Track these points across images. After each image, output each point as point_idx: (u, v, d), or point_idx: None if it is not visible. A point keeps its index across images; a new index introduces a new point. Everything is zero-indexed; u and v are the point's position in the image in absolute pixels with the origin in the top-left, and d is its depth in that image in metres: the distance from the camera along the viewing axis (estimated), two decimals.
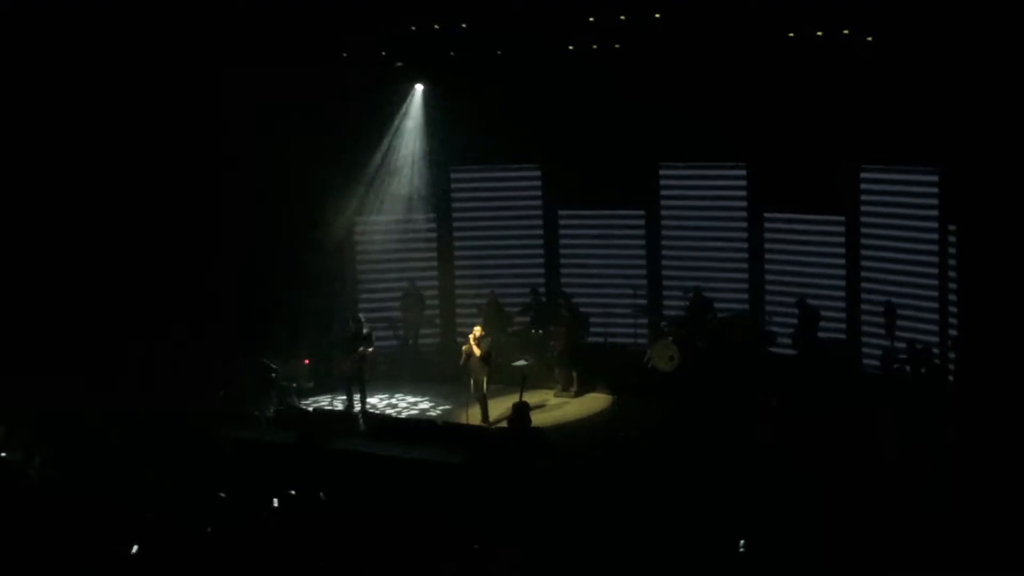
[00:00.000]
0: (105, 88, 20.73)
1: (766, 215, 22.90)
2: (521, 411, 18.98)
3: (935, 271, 20.81)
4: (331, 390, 21.52)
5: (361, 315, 21.43)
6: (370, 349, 20.83)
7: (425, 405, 21.68)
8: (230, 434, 19.84)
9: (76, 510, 14.89)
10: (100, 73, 20.56)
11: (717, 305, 22.83)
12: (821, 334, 21.91)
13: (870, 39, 19.42)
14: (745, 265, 23.15)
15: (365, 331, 20.97)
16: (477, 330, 20.37)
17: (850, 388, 20.50)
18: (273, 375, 20.37)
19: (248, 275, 21.85)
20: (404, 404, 21.74)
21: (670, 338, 21.70)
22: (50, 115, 20.54)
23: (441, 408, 21.40)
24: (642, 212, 23.89)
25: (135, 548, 13.45)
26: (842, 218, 22.07)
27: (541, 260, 24.59)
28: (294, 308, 22.29)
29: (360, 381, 20.74)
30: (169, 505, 14.96)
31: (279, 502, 15.24)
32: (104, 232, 21.19)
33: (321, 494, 15.52)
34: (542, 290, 24.15)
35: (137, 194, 21.29)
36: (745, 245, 23.16)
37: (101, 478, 16.33)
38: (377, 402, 21.50)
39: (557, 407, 21.28)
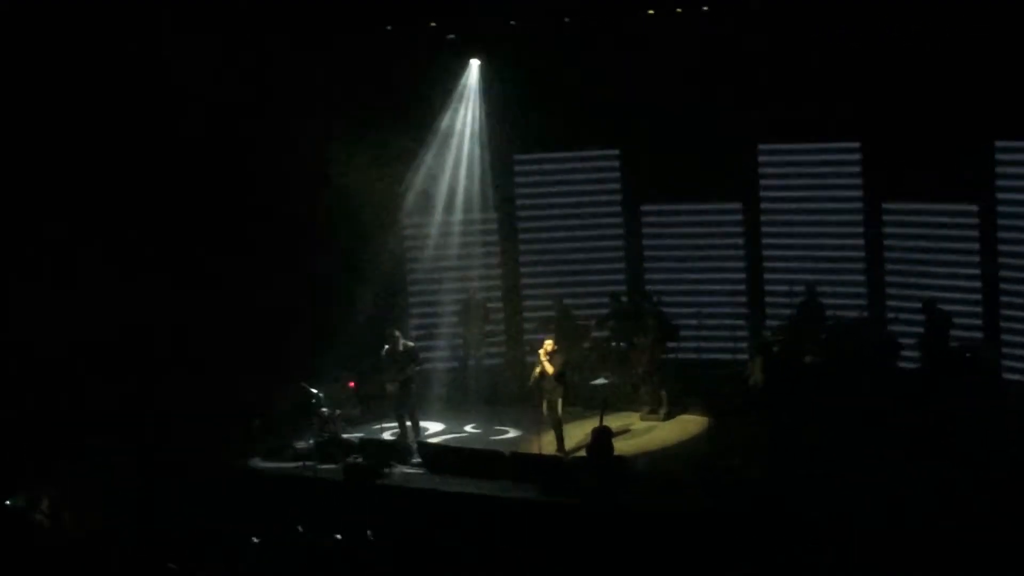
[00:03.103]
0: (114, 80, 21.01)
1: (884, 205, 22.62)
2: (602, 438, 18.87)
3: None
4: (380, 417, 21.46)
5: (397, 331, 21.22)
6: (416, 367, 20.77)
7: (490, 432, 21.59)
8: (266, 469, 20.02)
9: (92, 557, 14.99)
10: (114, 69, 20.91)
11: (829, 308, 22.50)
12: (953, 341, 21.54)
13: None
14: (862, 262, 23.00)
15: (408, 347, 20.87)
16: (548, 344, 20.24)
17: (991, 402, 20.11)
18: (314, 401, 20.32)
19: (284, 287, 21.81)
20: (465, 432, 21.63)
21: (775, 349, 21.43)
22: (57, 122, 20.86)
23: (510, 436, 21.28)
24: (739, 204, 23.71)
25: None
26: (974, 207, 21.79)
27: (622, 262, 24.47)
28: (337, 325, 22.24)
29: (408, 406, 20.71)
30: (194, 551, 15.01)
31: (321, 547, 15.21)
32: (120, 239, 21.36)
33: (369, 533, 15.45)
34: (624, 298, 23.95)
35: (152, 193, 21.46)
36: (861, 239, 22.98)
37: (118, 521, 16.42)
38: (434, 430, 21.39)
39: (644, 432, 21.15)
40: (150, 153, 21.44)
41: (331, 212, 22.48)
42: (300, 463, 19.95)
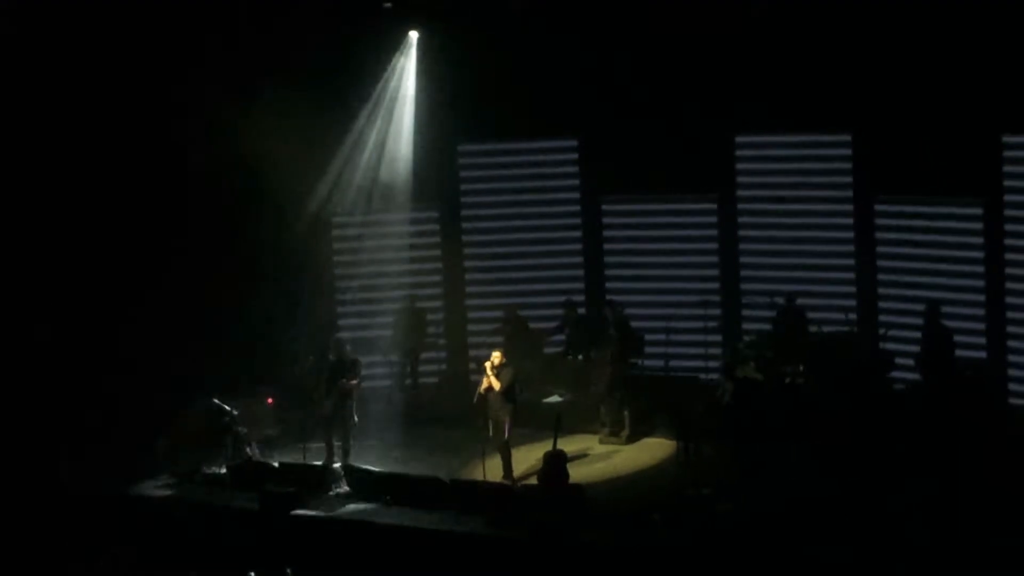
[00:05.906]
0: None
1: (879, 202, 22.79)
2: (556, 463, 18.90)
3: None
4: (304, 438, 21.40)
5: (342, 337, 21.26)
6: (354, 382, 20.72)
7: (429, 457, 21.61)
8: (171, 496, 19.92)
9: None
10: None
11: (813, 317, 22.64)
12: (957, 353, 21.70)
13: None
14: (851, 263, 23.19)
15: (349, 359, 20.84)
16: (496, 357, 20.27)
17: (997, 426, 20.26)
18: (227, 419, 20.27)
19: (193, 291, 21.73)
20: (400, 456, 21.64)
21: (752, 364, 21.52)
22: None
23: (450, 460, 21.29)
24: (714, 198, 23.80)
25: None
26: (979, 208, 21.99)
27: (579, 263, 24.57)
28: (254, 332, 22.21)
29: (343, 426, 20.66)
30: None
31: None
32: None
33: (288, 571, 15.43)
34: (580, 299, 24.01)
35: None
36: (851, 238, 23.15)
37: None
38: (365, 454, 21.38)
39: (603, 457, 21.30)
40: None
41: (245, 203, 22.38)
42: (211, 489, 19.96)
